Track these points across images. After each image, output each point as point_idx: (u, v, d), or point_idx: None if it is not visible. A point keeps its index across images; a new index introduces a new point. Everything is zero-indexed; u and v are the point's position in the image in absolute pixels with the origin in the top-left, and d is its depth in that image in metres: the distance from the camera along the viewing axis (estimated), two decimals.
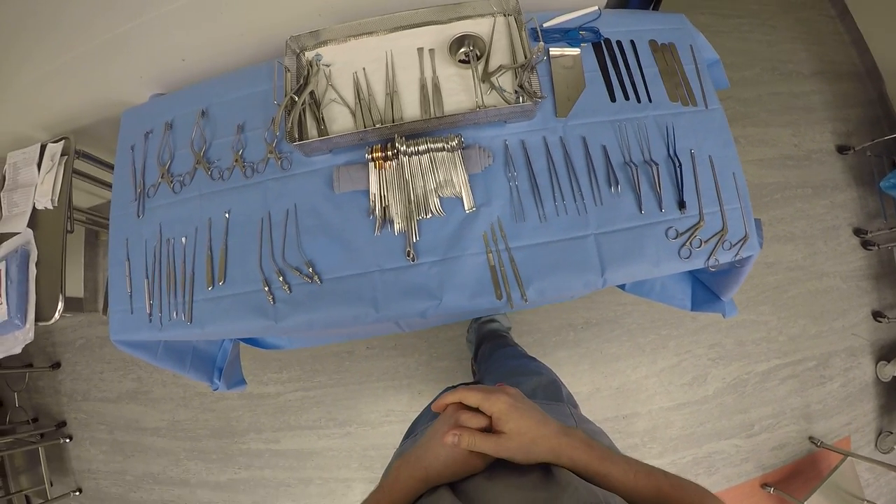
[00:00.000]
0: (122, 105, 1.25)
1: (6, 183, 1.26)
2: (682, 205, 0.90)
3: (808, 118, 1.86)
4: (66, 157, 1.25)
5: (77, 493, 1.87)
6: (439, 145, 0.85)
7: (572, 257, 0.86)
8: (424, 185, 0.87)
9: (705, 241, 0.89)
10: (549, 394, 0.77)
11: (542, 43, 0.86)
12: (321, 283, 0.89)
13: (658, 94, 0.98)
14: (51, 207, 1.23)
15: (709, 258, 0.89)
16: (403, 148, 0.84)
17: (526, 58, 0.91)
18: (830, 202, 1.79)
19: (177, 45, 1.13)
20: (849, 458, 1.51)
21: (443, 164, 0.86)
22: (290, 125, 0.88)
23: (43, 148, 1.26)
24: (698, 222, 0.90)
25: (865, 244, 1.76)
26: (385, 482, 0.43)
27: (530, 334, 1.67)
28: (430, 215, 0.88)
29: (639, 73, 1.00)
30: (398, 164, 0.86)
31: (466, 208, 0.87)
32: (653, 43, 1.03)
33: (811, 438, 1.64)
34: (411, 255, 0.86)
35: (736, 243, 0.91)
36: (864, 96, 1.92)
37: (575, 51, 1.00)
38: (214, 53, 1.15)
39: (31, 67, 1.14)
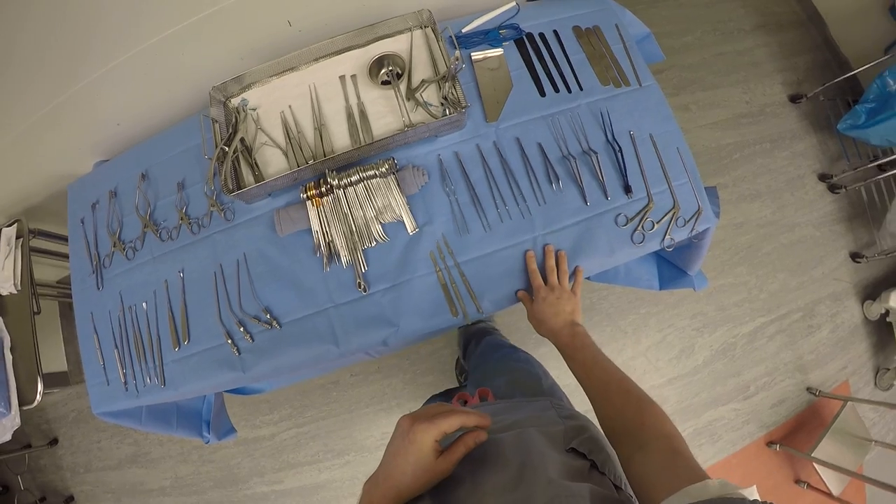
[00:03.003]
0: (68, 177, 1.24)
1: None
2: (627, 189, 0.90)
3: (756, 73, 1.86)
4: (20, 238, 1.24)
5: None
6: (371, 172, 0.85)
7: (522, 262, 0.85)
8: (364, 214, 0.86)
9: (657, 222, 0.89)
10: (527, 389, 0.81)
11: (458, 51, 0.85)
12: (280, 327, 0.89)
13: (588, 81, 0.98)
14: (14, 292, 1.22)
15: (663, 239, 0.88)
16: (336, 182, 0.84)
17: (446, 67, 0.91)
18: (791, 153, 1.80)
19: (109, 110, 1.12)
20: (849, 402, 1.51)
21: (378, 190, 0.86)
22: (223, 176, 0.87)
23: None
24: (647, 204, 0.90)
25: (832, 188, 1.77)
26: None
27: (510, 333, 1.66)
28: (374, 243, 0.87)
29: (566, 62, 1.00)
30: (335, 198, 0.86)
31: (409, 230, 0.87)
32: (576, 29, 1.03)
33: (809, 389, 1.64)
34: (362, 286, 0.86)
35: (690, 219, 0.90)
36: (810, 42, 1.93)
37: (498, 51, 1.00)
38: (148, 113, 1.14)
39: None
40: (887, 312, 1.61)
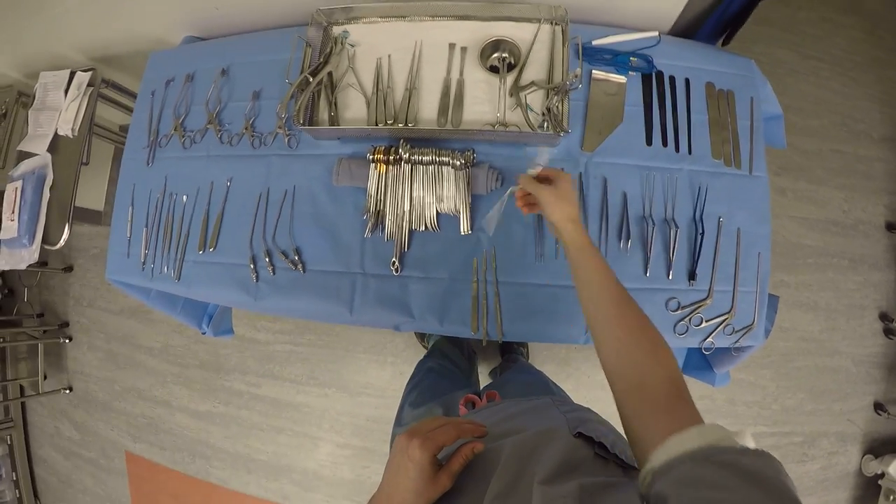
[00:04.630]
0: (155, 41, 1.23)
1: (35, 102, 1.27)
2: (692, 276, 0.84)
3: (865, 185, 1.70)
4: (91, 88, 1.25)
5: (67, 391, 2.01)
6: (445, 159, 0.80)
7: (559, 306, 0.82)
8: (423, 196, 0.83)
9: (707, 321, 0.84)
10: (537, 390, 0.83)
11: (579, 69, 0.78)
12: (304, 272, 0.88)
13: (701, 147, 0.89)
14: (71, 136, 1.24)
15: (704, 339, 0.83)
16: (406, 156, 0.80)
17: (562, 79, 0.84)
18: (864, 279, 1.67)
19: None
20: None
21: (447, 179, 0.81)
22: (298, 106, 0.84)
23: (72, 75, 1.25)
24: (705, 299, 0.84)
25: (888, 332, 1.65)
26: None
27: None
28: (424, 228, 0.84)
29: (685, 117, 0.91)
30: (400, 170, 0.82)
31: (462, 230, 0.83)
32: (709, 86, 0.93)
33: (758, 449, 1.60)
34: (396, 266, 0.83)
35: (739, 330, 0.85)
36: None
37: (621, 78, 0.92)
38: (249, 6, 1.10)
39: None
40: (882, 475, 1.53)
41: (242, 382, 1.81)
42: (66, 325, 2.07)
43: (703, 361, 1.06)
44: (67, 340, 2.03)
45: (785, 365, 1.63)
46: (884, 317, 1.66)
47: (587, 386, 1.61)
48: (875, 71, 1.78)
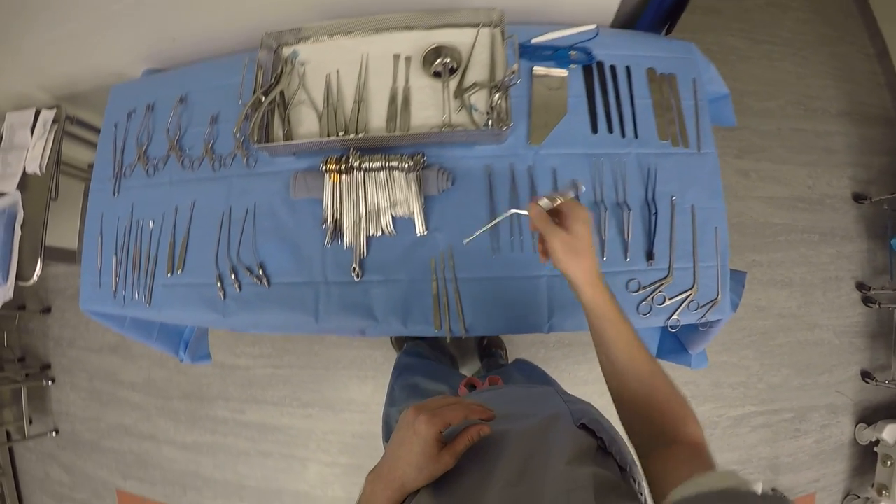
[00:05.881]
0: (116, 76, 1.25)
1: (3, 142, 1.29)
2: (650, 256, 0.86)
3: (827, 160, 1.74)
4: (56, 124, 1.27)
5: (54, 434, 1.98)
6: (395, 164, 0.82)
7: (520, 297, 0.83)
8: (378, 202, 0.84)
9: (670, 299, 0.85)
10: (538, 381, 0.81)
11: (516, 64, 0.81)
12: (269, 286, 0.89)
13: (646, 130, 0.92)
14: (39, 173, 1.26)
15: (669, 317, 0.85)
16: (357, 164, 0.82)
17: (503, 76, 0.87)
18: (837, 252, 1.70)
19: (169, 23, 1.11)
20: None
21: (398, 183, 0.83)
22: (252, 125, 0.86)
23: (38, 113, 1.28)
24: (665, 277, 0.86)
25: (866, 300, 1.67)
26: (362, 499, 0.43)
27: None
28: (380, 233, 0.86)
29: (629, 103, 0.94)
30: (353, 179, 0.84)
31: (418, 232, 0.85)
32: (651, 71, 0.97)
33: (774, 490, 1.60)
34: (357, 272, 0.85)
35: (704, 305, 0.86)
36: (891, 144, 1.78)
37: (562, 72, 0.95)
38: (204, 38, 1.13)
39: (35, 34, 1.15)
40: (877, 442, 1.54)
41: (226, 409, 1.80)
42: (48, 367, 2.05)
43: (676, 344, 1.07)
44: (50, 382, 2.01)
45: (766, 343, 1.65)
46: (860, 286, 1.69)
47: (570, 382, 1.60)
48: (825, 48, 1.84)
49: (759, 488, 0.34)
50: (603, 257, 0.85)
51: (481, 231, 0.68)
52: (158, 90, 1.08)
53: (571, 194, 0.56)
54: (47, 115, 1.26)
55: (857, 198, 1.72)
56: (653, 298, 0.85)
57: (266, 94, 0.90)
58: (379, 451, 0.68)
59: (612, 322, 0.52)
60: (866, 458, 1.62)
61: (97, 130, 1.42)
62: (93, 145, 1.49)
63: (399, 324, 0.83)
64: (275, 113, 0.93)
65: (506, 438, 0.44)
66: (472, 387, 0.70)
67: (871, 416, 1.63)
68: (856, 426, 1.63)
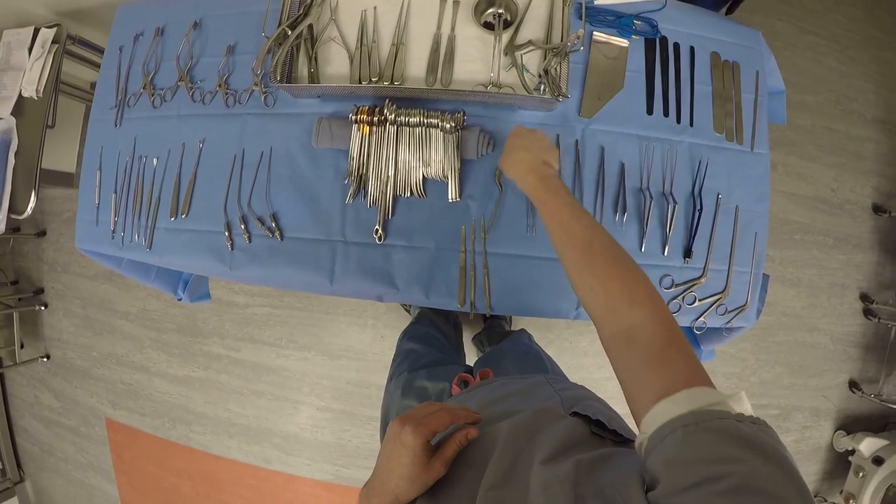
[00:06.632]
0: None
1: None
2: (687, 253, 0.82)
3: (854, 165, 1.69)
4: (56, 45, 1.15)
5: (45, 360, 1.96)
6: (434, 121, 0.75)
7: (550, 280, 0.79)
8: (409, 160, 0.78)
9: (700, 300, 0.82)
10: (531, 366, 0.81)
11: (582, 30, 0.72)
12: (282, 239, 0.84)
13: (702, 119, 0.85)
14: (35, 98, 1.15)
15: (696, 318, 0.82)
16: (392, 116, 0.74)
17: (561, 39, 0.78)
18: (847, 259, 1.68)
19: None
20: None
21: (435, 142, 0.76)
22: (275, 62, 0.77)
23: (36, 32, 1.16)
24: (699, 277, 0.82)
25: (867, 312, 1.67)
26: None
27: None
28: (409, 194, 0.80)
29: (689, 87, 0.86)
30: (384, 132, 0.76)
31: (450, 197, 0.79)
32: (714, 56, 0.88)
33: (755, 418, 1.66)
34: (379, 234, 0.79)
35: (732, 310, 0.84)
36: None
37: (623, 42, 0.86)
38: None
39: None
40: (853, 451, 1.59)
41: (221, 346, 1.79)
42: (42, 291, 2.00)
43: (689, 337, 1.06)
44: (43, 307, 1.97)
45: (765, 339, 1.66)
46: (864, 297, 1.68)
47: (570, 352, 1.60)
48: (872, 51, 1.74)
49: (742, 403, 0.31)
50: (641, 249, 0.81)
51: None
52: (170, 12, 0.97)
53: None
54: (46, 35, 1.14)
55: (877, 209, 1.68)
56: (683, 298, 0.82)
57: (292, 26, 0.80)
58: (371, 399, 0.65)
59: (544, 203, 0.54)
60: (839, 464, 1.68)
61: (101, 51, 1.30)
62: (95, 66, 1.37)
63: (421, 294, 0.79)
64: (300, 48, 0.84)
65: (496, 439, 0.43)
66: (464, 384, 0.68)
67: (851, 425, 1.68)
68: (835, 432, 1.68)
